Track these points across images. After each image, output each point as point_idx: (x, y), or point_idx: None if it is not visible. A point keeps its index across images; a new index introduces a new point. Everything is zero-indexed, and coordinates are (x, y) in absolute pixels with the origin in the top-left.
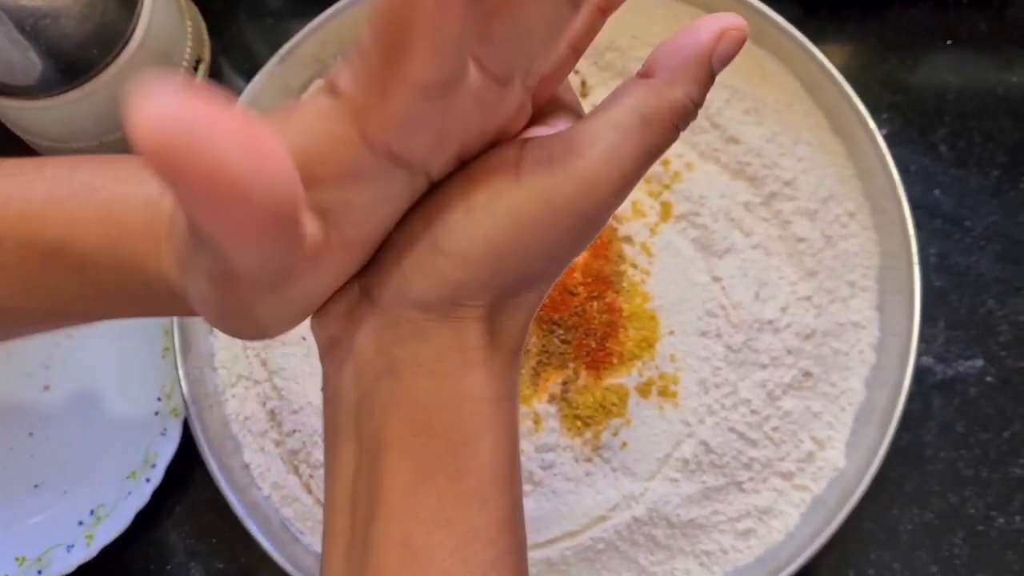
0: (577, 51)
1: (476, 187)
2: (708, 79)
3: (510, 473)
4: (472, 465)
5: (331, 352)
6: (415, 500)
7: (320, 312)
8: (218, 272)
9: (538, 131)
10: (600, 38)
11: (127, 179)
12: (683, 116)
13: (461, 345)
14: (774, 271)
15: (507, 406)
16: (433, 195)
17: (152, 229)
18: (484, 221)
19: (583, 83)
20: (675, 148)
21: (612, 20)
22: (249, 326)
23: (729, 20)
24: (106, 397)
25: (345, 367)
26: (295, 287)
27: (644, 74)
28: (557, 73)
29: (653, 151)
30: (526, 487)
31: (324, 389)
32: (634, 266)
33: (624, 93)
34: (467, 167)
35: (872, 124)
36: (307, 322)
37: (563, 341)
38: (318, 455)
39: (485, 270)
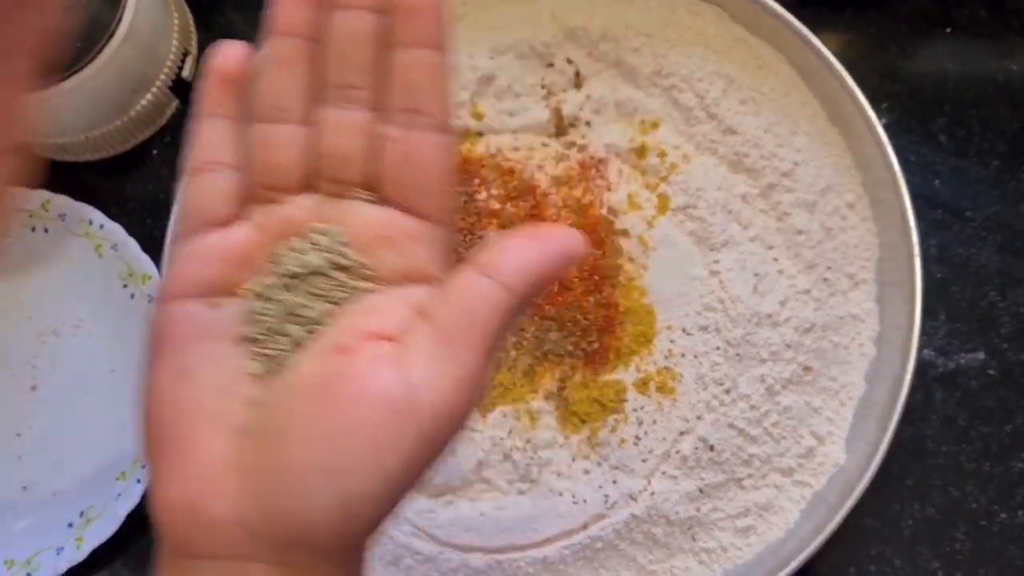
0: None
1: None
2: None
3: None
4: None
5: None
6: None
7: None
8: None
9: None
10: (594, 28)
11: None
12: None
13: None
14: (772, 264)
15: None
16: None
17: None
18: None
19: (577, 74)
20: (671, 139)
21: (607, 10)
22: None
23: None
24: (95, 396)
25: None
26: None
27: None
28: None
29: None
30: (523, 485)
31: None
32: (631, 260)
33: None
34: None
35: (871, 113)
36: None
37: (559, 337)
38: None
39: None
